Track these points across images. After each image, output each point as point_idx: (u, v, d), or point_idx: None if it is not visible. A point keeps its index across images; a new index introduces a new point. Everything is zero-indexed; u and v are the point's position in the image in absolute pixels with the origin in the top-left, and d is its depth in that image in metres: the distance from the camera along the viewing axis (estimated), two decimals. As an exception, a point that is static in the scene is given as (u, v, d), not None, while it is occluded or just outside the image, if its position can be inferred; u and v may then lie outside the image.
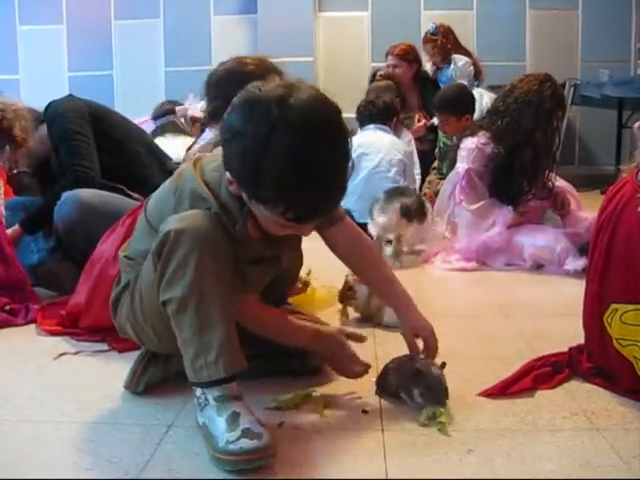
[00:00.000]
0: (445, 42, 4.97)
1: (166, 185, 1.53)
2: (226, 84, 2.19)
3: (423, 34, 5.15)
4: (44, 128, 2.66)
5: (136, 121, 3.02)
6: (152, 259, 1.37)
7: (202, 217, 1.34)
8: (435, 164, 4.45)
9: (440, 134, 4.50)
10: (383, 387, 1.55)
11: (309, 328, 1.60)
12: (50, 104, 2.68)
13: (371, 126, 3.84)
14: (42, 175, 2.71)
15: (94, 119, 2.64)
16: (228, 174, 1.32)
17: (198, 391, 1.33)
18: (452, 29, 5.08)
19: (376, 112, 3.87)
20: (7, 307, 2.20)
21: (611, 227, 1.55)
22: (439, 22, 5.10)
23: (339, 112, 1.31)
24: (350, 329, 1.72)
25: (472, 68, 4.93)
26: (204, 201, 1.37)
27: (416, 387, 1.44)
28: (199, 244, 1.30)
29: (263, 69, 2.19)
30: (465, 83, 4.64)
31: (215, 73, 2.24)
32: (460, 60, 4.86)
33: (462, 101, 4.09)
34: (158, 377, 1.60)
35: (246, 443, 1.22)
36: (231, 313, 1.35)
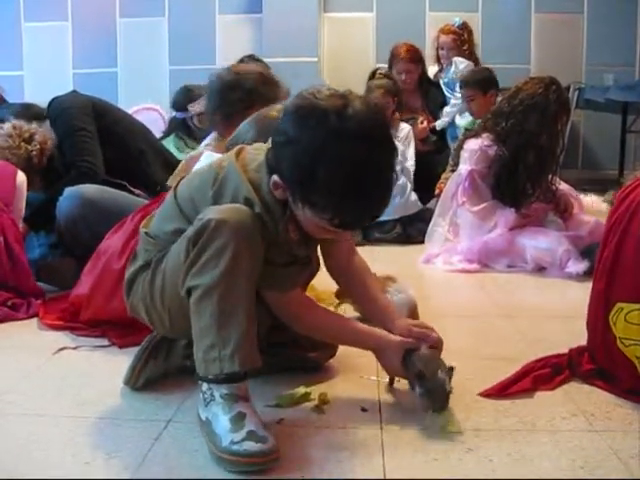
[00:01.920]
0: (466, 40, 4.84)
1: (203, 173, 1.51)
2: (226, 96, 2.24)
3: (442, 25, 4.93)
4: (47, 124, 2.67)
5: (141, 107, 3.02)
6: (186, 244, 1.36)
7: (244, 212, 1.34)
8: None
9: (462, 122, 4.46)
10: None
11: (374, 335, 1.56)
12: (53, 100, 2.69)
13: None
14: (45, 170, 2.72)
15: (97, 114, 2.65)
16: (275, 177, 1.34)
17: (204, 386, 1.32)
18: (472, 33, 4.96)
19: None
20: (9, 302, 2.20)
21: (622, 227, 1.55)
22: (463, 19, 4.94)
23: (389, 124, 1.36)
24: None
25: None
26: (247, 200, 1.36)
27: (419, 387, 1.42)
28: (238, 238, 1.30)
29: (262, 82, 2.19)
30: None
31: (216, 82, 2.27)
32: (462, 63, 4.79)
33: (488, 78, 4.08)
34: (158, 373, 1.60)
35: (251, 446, 1.21)
36: (254, 311, 1.34)
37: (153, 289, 1.48)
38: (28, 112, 2.73)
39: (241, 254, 1.31)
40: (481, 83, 4.03)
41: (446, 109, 4.72)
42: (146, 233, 1.56)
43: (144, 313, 1.54)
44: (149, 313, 1.53)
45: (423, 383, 1.42)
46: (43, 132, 2.59)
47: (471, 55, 4.85)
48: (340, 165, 1.26)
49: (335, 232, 1.39)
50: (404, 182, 3.69)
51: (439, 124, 4.66)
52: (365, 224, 1.45)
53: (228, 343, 1.29)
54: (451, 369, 1.44)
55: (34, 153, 2.54)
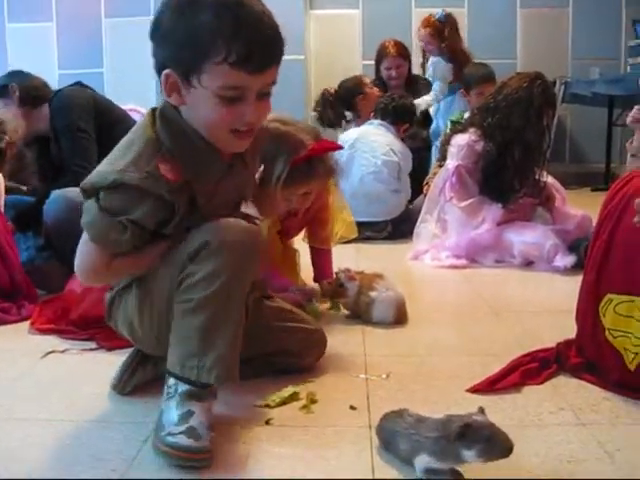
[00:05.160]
0: (445, 36, 4.62)
1: None
2: None
3: (423, 18, 4.79)
4: (46, 109, 2.67)
5: (126, 108, 3.01)
6: (182, 260, 1.32)
7: (245, 231, 1.33)
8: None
9: (449, 116, 4.43)
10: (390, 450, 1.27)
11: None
12: (59, 92, 2.70)
13: (375, 122, 3.82)
14: (41, 163, 2.72)
15: (98, 113, 2.66)
16: (166, 72, 1.29)
17: (171, 380, 1.32)
18: (457, 27, 4.76)
19: (391, 109, 3.81)
20: (-3, 305, 2.20)
21: (614, 219, 1.56)
22: (448, 11, 4.74)
23: None
24: None
25: (449, 73, 4.63)
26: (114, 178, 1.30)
27: (470, 447, 1.10)
28: (235, 261, 1.29)
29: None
30: (440, 83, 4.60)
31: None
32: (432, 64, 4.70)
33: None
34: (146, 379, 1.59)
35: (183, 440, 1.22)
36: (241, 328, 1.34)
37: (142, 306, 1.42)
38: (32, 88, 2.71)
39: (237, 277, 1.30)
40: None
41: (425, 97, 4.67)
42: None
43: (128, 333, 1.50)
44: (134, 332, 1.48)
45: (476, 436, 1.11)
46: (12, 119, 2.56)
47: (452, 52, 4.65)
48: (212, 7, 1.24)
49: (240, 98, 1.28)
50: (388, 178, 3.66)
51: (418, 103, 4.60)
52: (265, 52, 1.28)
53: (209, 357, 1.29)
54: (482, 410, 1.19)
55: (2, 146, 2.50)
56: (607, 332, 1.54)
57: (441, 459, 1.14)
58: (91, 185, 1.34)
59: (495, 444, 1.11)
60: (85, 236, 1.35)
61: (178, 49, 1.27)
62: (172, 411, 1.28)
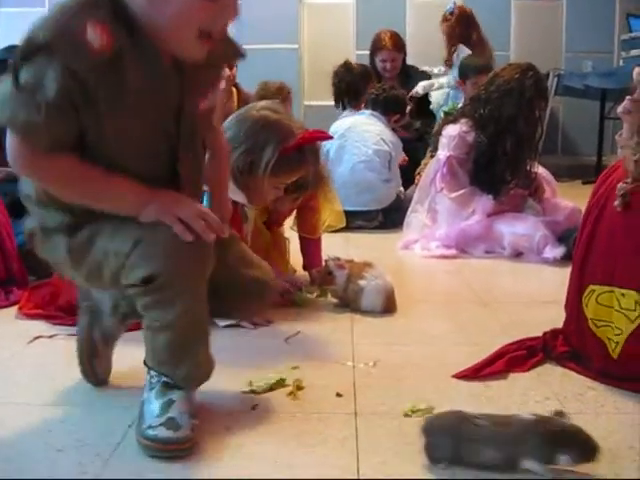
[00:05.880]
0: (454, 28, 4.70)
1: None
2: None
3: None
4: None
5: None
6: (130, 282, 1.25)
7: (193, 253, 1.23)
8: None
9: (444, 107, 4.43)
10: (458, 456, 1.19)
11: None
12: None
13: (366, 112, 3.83)
14: None
15: None
16: None
17: (153, 371, 1.31)
18: (470, 17, 4.79)
19: (382, 100, 3.83)
20: (-15, 290, 2.19)
21: (597, 211, 1.58)
22: (460, 3, 4.82)
23: None
24: None
25: None
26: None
27: (564, 452, 1.13)
28: (188, 287, 1.25)
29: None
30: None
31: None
32: (462, 51, 4.73)
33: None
34: (109, 360, 1.56)
35: (162, 432, 1.22)
36: (209, 333, 1.33)
37: (76, 268, 1.34)
38: None
39: (193, 297, 1.26)
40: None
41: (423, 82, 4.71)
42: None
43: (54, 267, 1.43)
44: (62, 274, 1.43)
45: (570, 442, 1.15)
46: None
47: (470, 42, 4.71)
48: None
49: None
50: (379, 167, 3.67)
51: (420, 88, 4.64)
52: None
53: (180, 369, 1.28)
54: (561, 413, 1.21)
55: None
56: (590, 322, 1.56)
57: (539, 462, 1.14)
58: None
59: (588, 450, 1.14)
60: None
61: None
62: (153, 401, 1.28)
